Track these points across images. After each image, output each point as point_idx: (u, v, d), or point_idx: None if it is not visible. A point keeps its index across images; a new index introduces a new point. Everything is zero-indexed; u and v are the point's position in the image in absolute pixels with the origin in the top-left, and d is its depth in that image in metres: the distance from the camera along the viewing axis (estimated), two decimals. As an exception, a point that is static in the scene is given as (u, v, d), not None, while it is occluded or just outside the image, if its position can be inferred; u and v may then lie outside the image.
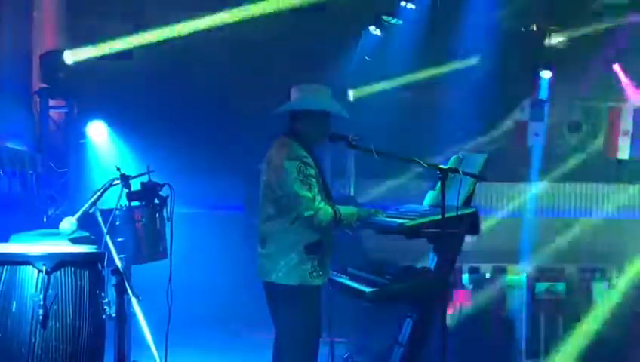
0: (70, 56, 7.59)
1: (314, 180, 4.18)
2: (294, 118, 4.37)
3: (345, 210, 4.28)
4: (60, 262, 3.76)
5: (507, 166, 9.14)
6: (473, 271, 6.50)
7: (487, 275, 6.50)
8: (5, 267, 3.75)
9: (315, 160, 4.32)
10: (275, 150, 4.33)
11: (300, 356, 4.25)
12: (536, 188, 9.56)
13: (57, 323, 3.70)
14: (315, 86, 4.46)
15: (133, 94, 8.24)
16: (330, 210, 4.18)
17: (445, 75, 8.97)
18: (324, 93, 4.44)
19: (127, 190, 4.49)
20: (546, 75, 9.30)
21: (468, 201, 4.52)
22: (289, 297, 4.22)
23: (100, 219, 4.09)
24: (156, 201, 4.97)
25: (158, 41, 8.17)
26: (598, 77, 9.32)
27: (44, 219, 7.36)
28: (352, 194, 8.81)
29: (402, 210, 4.69)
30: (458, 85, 8.93)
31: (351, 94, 8.70)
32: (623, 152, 9.60)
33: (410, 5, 8.41)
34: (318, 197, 4.16)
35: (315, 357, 4.32)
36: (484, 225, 7.20)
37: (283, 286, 4.21)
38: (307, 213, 4.12)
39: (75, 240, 3.94)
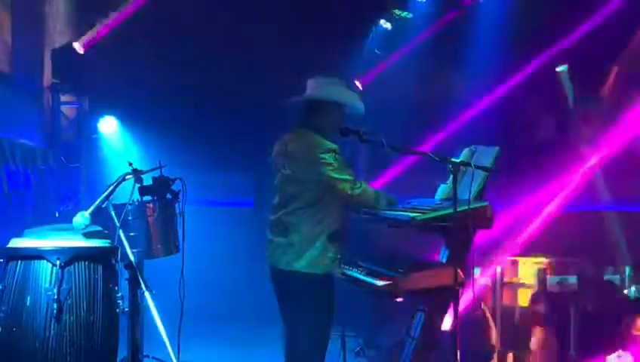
0: (79, 47, 7.56)
1: (346, 165, 4.28)
2: (310, 109, 4.39)
3: (377, 191, 4.40)
4: (73, 256, 3.79)
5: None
6: (485, 264, 6.50)
7: None
8: (19, 261, 3.79)
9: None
10: (297, 142, 4.35)
11: (315, 343, 4.29)
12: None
13: (71, 317, 3.73)
14: (332, 78, 4.48)
15: (144, 89, 8.25)
16: (369, 188, 4.32)
17: (458, 65, 8.93)
18: (340, 85, 4.46)
19: (139, 185, 4.51)
20: (561, 67, 9.24)
21: (480, 195, 4.50)
22: (309, 286, 4.25)
23: (112, 213, 4.11)
24: (168, 196, 4.98)
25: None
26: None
27: (57, 215, 7.40)
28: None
29: (414, 203, 4.67)
30: (470, 77, 8.90)
31: (358, 85, 8.67)
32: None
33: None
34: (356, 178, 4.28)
35: (326, 346, 4.34)
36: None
37: (308, 275, 4.24)
38: (355, 192, 4.22)
39: (88, 235, 3.96)
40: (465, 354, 4.19)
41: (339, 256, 4.31)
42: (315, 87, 4.43)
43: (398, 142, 4.40)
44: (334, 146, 4.27)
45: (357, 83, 8.62)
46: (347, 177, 4.23)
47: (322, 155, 4.22)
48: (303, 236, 4.26)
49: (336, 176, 4.21)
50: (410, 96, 8.72)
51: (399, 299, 4.73)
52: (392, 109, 8.20)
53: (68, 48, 7.75)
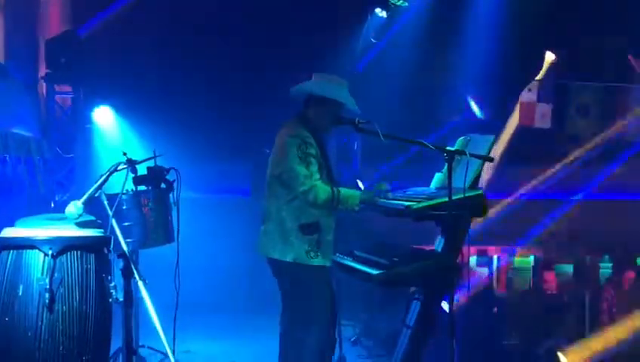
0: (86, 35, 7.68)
1: (313, 159, 4.24)
2: (307, 103, 4.45)
3: (347, 192, 4.30)
4: (66, 246, 3.77)
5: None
6: (481, 253, 6.51)
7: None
8: (11, 251, 3.76)
9: (320, 144, 4.36)
10: (282, 129, 4.41)
11: (304, 328, 4.33)
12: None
13: (64, 307, 3.71)
14: (335, 77, 4.50)
15: (139, 79, 8.22)
16: (328, 189, 4.22)
17: (453, 55, 8.90)
18: (341, 85, 4.47)
19: (133, 174, 4.49)
20: (550, 57, 9.22)
21: (475, 183, 4.49)
22: (289, 273, 4.33)
23: (105, 202, 4.09)
24: (163, 186, 4.97)
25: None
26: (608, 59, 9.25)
27: (52, 205, 7.38)
28: (357, 177, 8.78)
29: (409, 192, 4.66)
30: (466, 65, 8.88)
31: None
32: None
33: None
34: (316, 176, 4.21)
35: (321, 329, 4.33)
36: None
37: (282, 263, 4.31)
38: (302, 188, 4.18)
39: (81, 224, 3.94)
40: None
41: (316, 249, 4.28)
42: (316, 82, 4.46)
43: (393, 130, 4.39)
44: (305, 134, 4.26)
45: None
46: (303, 170, 4.18)
47: (288, 139, 4.26)
48: (277, 224, 4.33)
49: (293, 164, 4.20)
50: (405, 85, 8.69)
51: (395, 288, 4.75)
52: (388, 98, 8.18)
53: (63, 37, 7.71)
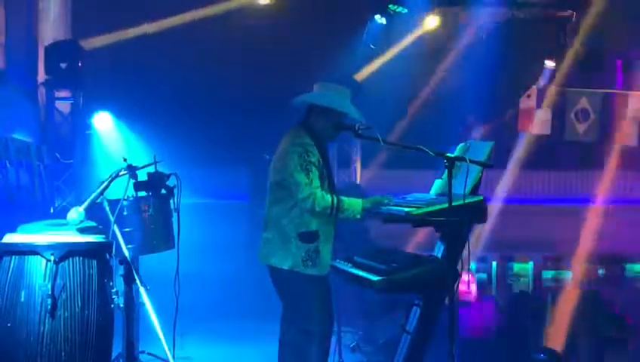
0: (86, 45, 7.71)
1: (314, 167, 4.23)
2: (310, 112, 4.45)
3: (349, 200, 4.30)
4: (68, 251, 3.78)
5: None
6: (481, 259, 6.53)
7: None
8: (13, 257, 3.78)
9: (323, 152, 4.36)
10: (285, 137, 4.41)
11: (302, 333, 4.33)
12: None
13: (66, 313, 3.72)
14: (337, 86, 4.51)
15: (139, 85, 8.24)
16: (328, 197, 4.22)
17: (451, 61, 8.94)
18: (344, 95, 4.48)
19: (134, 180, 4.50)
20: (550, 63, 9.26)
21: (475, 189, 4.51)
22: (287, 281, 4.32)
23: (107, 208, 4.10)
24: (163, 191, 4.97)
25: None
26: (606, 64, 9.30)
27: (51, 210, 7.38)
28: (357, 182, 8.81)
29: (409, 198, 4.67)
30: (465, 71, 8.91)
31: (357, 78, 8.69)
32: (631, 139, 9.60)
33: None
34: (316, 183, 4.21)
35: (317, 336, 4.35)
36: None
37: (280, 270, 4.31)
38: (301, 196, 4.18)
39: (82, 230, 3.95)
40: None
41: (314, 258, 4.28)
42: (319, 91, 4.48)
43: (392, 135, 4.41)
44: (308, 142, 4.27)
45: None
46: (303, 178, 4.19)
47: (290, 147, 4.27)
48: (277, 231, 4.32)
49: (293, 172, 4.20)
50: (405, 91, 8.73)
51: (396, 294, 4.75)
52: (388, 104, 8.20)
53: (63, 43, 7.74)
